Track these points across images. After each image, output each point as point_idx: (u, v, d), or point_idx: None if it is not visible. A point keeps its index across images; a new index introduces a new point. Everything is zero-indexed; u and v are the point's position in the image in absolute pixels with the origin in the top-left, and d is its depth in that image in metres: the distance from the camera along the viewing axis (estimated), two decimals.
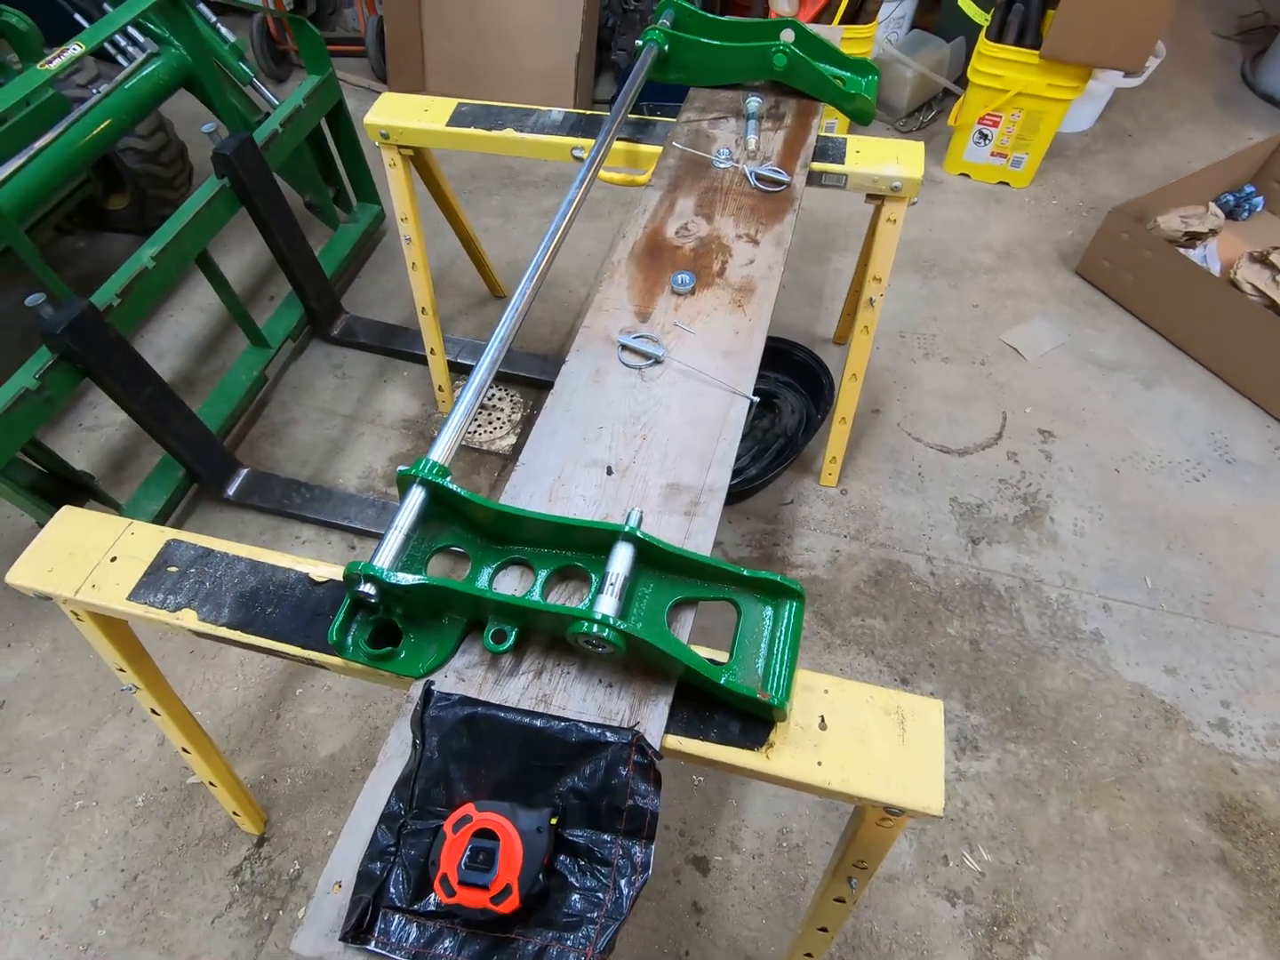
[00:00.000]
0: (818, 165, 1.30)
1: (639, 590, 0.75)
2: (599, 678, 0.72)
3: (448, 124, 1.42)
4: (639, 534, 0.72)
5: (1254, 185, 2.33)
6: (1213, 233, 2.07)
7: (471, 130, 1.41)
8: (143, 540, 0.86)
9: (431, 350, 1.84)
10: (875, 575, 1.65)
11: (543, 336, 2.13)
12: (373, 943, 0.60)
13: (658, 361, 0.97)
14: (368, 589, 0.70)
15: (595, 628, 0.66)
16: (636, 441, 0.90)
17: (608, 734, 0.66)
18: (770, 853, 1.32)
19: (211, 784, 1.22)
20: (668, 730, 0.70)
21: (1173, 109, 2.78)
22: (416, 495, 0.75)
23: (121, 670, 0.99)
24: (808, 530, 1.73)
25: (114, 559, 0.83)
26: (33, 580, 0.82)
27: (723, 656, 0.74)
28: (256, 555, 0.84)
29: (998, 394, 1.97)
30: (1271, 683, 1.48)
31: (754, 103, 1.32)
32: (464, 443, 1.90)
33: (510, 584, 0.79)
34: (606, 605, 0.69)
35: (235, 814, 1.31)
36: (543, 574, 0.78)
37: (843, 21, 2.36)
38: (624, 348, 0.98)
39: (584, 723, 0.67)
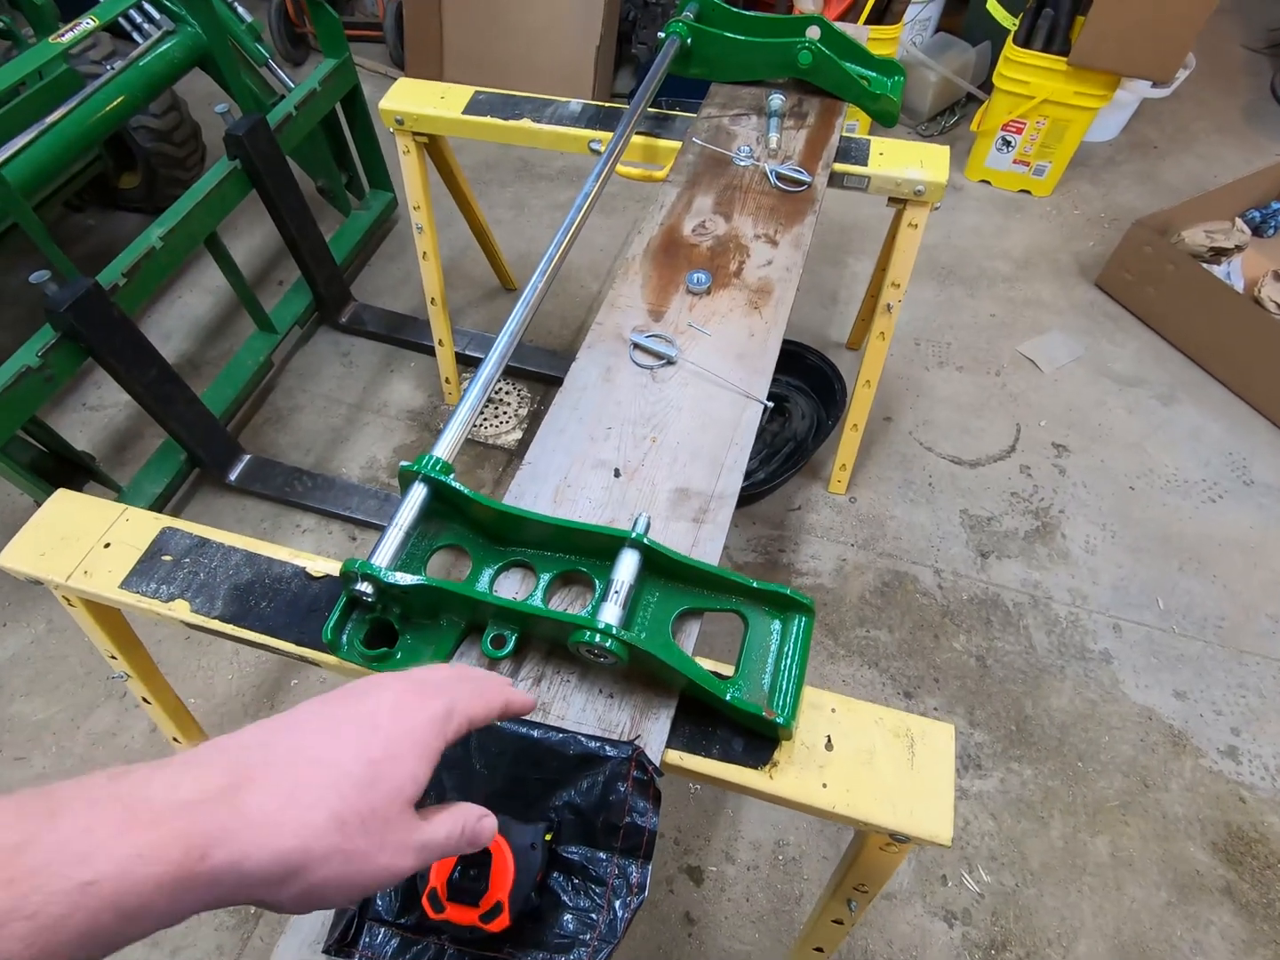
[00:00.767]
0: (840, 166, 1.27)
1: (644, 598, 0.73)
2: (600, 687, 0.70)
3: (464, 112, 1.39)
4: (646, 541, 0.70)
5: None
6: (1238, 249, 2.03)
7: (488, 119, 1.39)
8: (137, 527, 0.84)
9: (440, 341, 1.82)
10: (882, 586, 1.62)
11: (552, 331, 2.11)
12: (356, 956, 0.58)
13: (670, 362, 0.95)
14: (364, 588, 0.68)
15: (598, 637, 0.63)
16: (646, 444, 0.87)
17: (607, 748, 0.64)
18: (766, 865, 1.30)
19: None
20: (669, 745, 0.68)
21: (1199, 121, 2.73)
22: (418, 492, 0.73)
23: (113, 658, 0.97)
24: (814, 537, 1.70)
25: (107, 545, 0.81)
26: (24, 564, 0.80)
27: (727, 669, 0.72)
28: (253, 547, 0.82)
29: (1012, 406, 1.94)
30: None
31: (777, 100, 1.29)
32: (469, 436, 1.87)
33: (511, 586, 0.77)
34: (610, 614, 0.66)
35: None
36: (545, 578, 0.76)
37: (868, 22, 2.33)
38: (636, 346, 0.96)
39: (583, 735, 0.65)
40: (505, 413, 1.94)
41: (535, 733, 0.65)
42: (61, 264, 1.49)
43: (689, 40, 1.33)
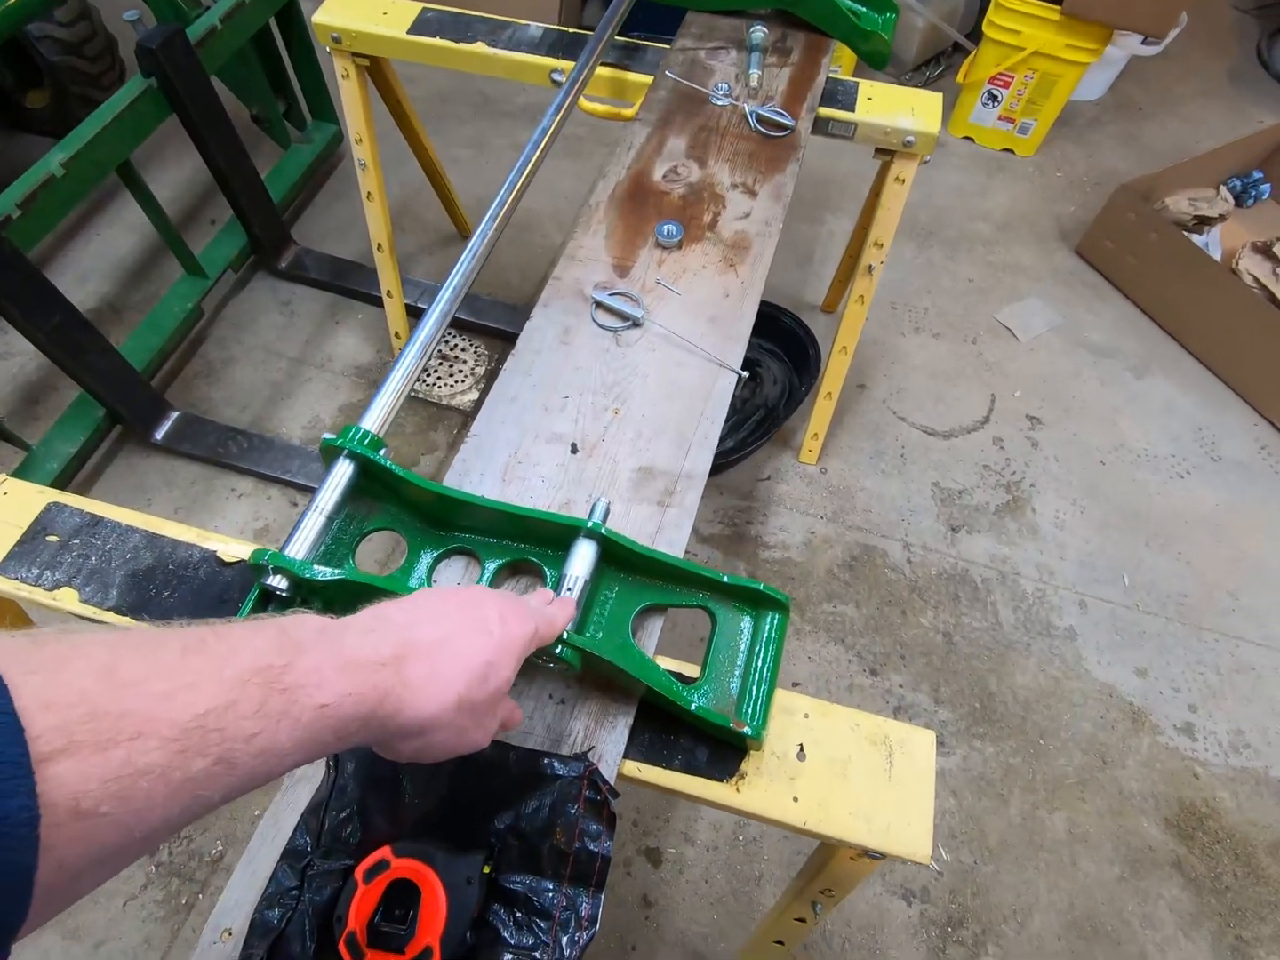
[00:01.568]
0: (825, 110, 1.16)
1: (601, 594, 0.65)
2: (550, 692, 0.63)
3: (409, 31, 1.24)
4: (604, 531, 0.62)
5: (1262, 171, 2.24)
6: (1221, 218, 1.99)
7: (436, 40, 1.24)
8: (17, 501, 0.73)
9: (388, 292, 1.68)
10: (850, 560, 1.58)
11: (512, 284, 1.97)
12: None
13: (636, 324, 0.85)
14: (278, 582, 0.59)
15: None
16: (607, 415, 0.78)
17: (556, 764, 0.57)
18: (725, 846, 1.27)
19: None
20: (626, 755, 0.61)
21: (1184, 83, 2.66)
22: (342, 469, 0.64)
23: None
24: (783, 509, 1.64)
25: None
26: None
27: (693, 669, 0.65)
28: (155, 527, 0.72)
29: (987, 375, 1.89)
30: (1239, 688, 1.46)
31: (758, 33, 1.17)
32: (422, 396, 1.76)
33: (454, 576, 0.68)
34: None
35: None
36: (491, 566, 0.67)
37: None
38: (598, 305, 0.86)
39: (528, 750, 0.58)
40: (461, 371, 1.82)
41: None
42: None
43: None
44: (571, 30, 1.26)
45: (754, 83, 1.12)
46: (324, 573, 0.58)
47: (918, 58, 2.56)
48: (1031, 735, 1.39)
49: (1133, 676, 1.47)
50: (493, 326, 1.85)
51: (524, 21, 1.27)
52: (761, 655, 0.64)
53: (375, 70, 1.40)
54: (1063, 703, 1.43)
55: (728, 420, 1.68)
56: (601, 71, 1.21)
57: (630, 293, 0.87)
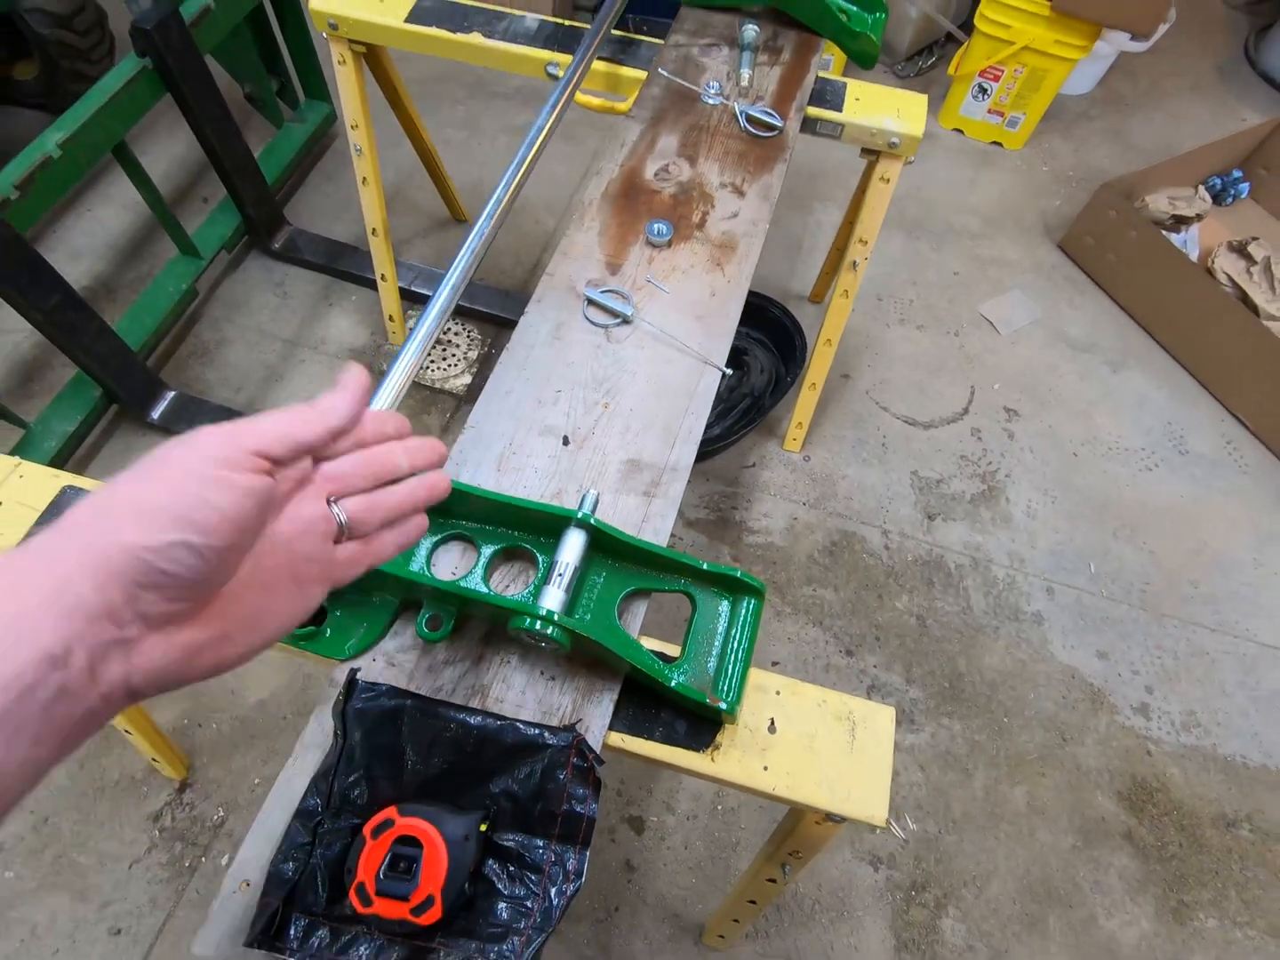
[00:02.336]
0: (813, 110, 1.19)
1: (590, 579, 0.70)
2: (541, 669, 0.68)
3: (406, 20, 1.25)
4: (593, 521, 0.66)
5: (1241, 170, 2.29)
6: (1198, 217, 2.04)
7: (433, 30, 1.25)
8: (33, 484, 0.76)
9: (382, 276, 1.70)
10: (830, 545, 1.64)
11: (505, 269, 2.00)
12: (285, 949, 0.56)
13: (626, 321, 0.89)
14: None
15: (539, 624, 0.60)
16: (597, 410, 0.83)
17: (546, 735, 0.62)
18: (705, 814, 1.34)
19: (127, 731, 1.16)
20: (611, 727, 0.67)
21: (1172, 78, 2.69)
22: None
23: None
24: (767, 495, 1.69)
25: None
26: None
27: (673, 649, 0.71)
28: None
29: (968, 367, 1.94)
30: (1193, 671, 1.54)
31: (751, 31, 1.19)
32: (415, 379, 1.78)
33: (450, 561, 0.73)
34: (552, 599, 0.63)
35: (154, 760, 1.25)
36: (487, 552, 0.72)
37: None
38: (590, 302, 0.90)
39: (521, 722, 0.63)
40: (454, 354, 1.85)
41: (473, 720, 0.62)
42: None
43: None
44: (568, 23, 1.27)
45: (745, 81, 1.15)
46: None
47: (911, 47, 2.57)
48: (997, 714, 1.47)
49: (1094, 659, 1.54)
50: (485, 311, 1.88)
51: (520, 12, 1.28)
52: (737, 637, 0.69)
53: (371, 56, 1.41)
54: (1027, 684, 1.50)
55: (715, 409, 1.73)
56: (597, 66, 1.23)
57: (621, 290, 0.91)
